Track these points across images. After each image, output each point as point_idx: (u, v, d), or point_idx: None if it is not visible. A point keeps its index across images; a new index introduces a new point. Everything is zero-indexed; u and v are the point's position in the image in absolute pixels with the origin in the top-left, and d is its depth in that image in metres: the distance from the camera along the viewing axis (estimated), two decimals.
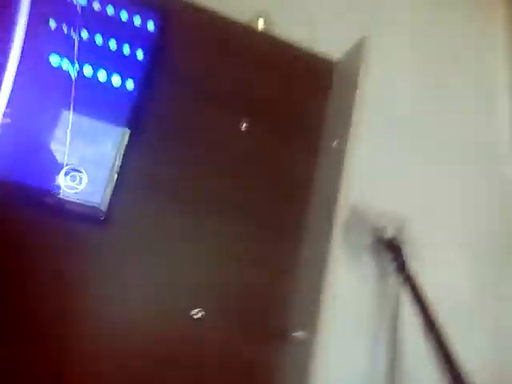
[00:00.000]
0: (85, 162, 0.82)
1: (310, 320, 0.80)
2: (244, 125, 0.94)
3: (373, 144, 1.30)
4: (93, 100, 0.86)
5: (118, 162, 0.83)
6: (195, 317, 0.80)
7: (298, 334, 0.80)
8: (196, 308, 0.80)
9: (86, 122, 0.84)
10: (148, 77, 0.89)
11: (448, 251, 1.29)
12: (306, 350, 0.80)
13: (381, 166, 1.31)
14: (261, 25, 1.16)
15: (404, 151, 1.35)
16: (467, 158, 1.43)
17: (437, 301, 1.13)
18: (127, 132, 0.85)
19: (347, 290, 1.09)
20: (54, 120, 0.82)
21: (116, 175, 0.83)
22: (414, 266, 1.12)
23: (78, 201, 0.80)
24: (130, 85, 0.88)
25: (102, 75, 0.87)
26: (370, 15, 1.45)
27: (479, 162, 1.45)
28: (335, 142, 0.94)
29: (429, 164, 1.36)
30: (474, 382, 0.84)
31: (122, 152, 0.84)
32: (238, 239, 0.86)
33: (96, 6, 0.90)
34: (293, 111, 1.01)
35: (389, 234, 1.13)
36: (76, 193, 0.81)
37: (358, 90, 1.02)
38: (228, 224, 0.87)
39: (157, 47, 0.91)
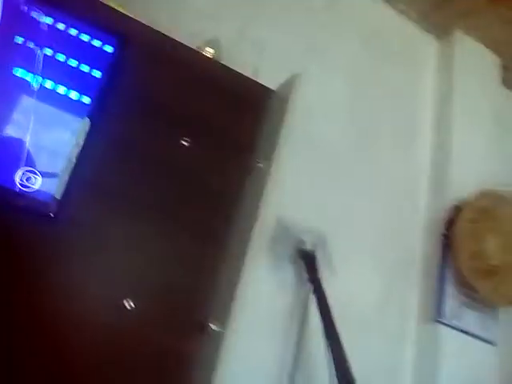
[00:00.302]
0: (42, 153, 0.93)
1: (225, 315, 0.94)
2: (184, 141, 1.07)
3: (301, 166, 1.46)
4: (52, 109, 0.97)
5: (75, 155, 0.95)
6: (127, 306, 0.92)
7: (214, 326, 0.94)
8: (127, 299, 0.93)
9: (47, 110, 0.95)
10: (103, 93, 1.01)
11: (360, 265, 1.48)
12: (219, 342, 0.94)
13: (308, 186, 1.47)
14: (210, 51, 1.29)
15: (329, 175, 1.53)
16: (384, 185, 1.62)
17: (345, 307, 1.30)
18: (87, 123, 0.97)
19: (265, 292, 1.24)
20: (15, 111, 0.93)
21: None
22: (327, 276, 1.29)
23: (30, 198, 0.91)
24: (86, 99, 1.00)
25: (61, 89, 0.98)
26: (309, 52, 1.63)
27: (395, 190, 1.65)
28: (261, 162, 1.10)
29: (349, 188, 1.55)
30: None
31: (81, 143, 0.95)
32: (168, 242, 0.99)
33: (60, 26, 1.01)
34: (229, 131, 1.15)
35: (306, 246, 1.29)
36: (29, 191, 0.91)
37: (285, 118, 1.18)
38: (161, 229, 1.00)
39: (113, 68, 1.03)
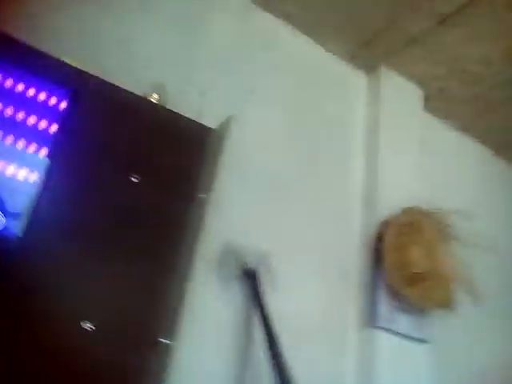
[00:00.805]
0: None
1: (174, 330, 1.08)
2: (133, 178, 1.22)
3: (246, 193, 1.63)
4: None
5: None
6: (84, 327, 1.04)
7: (164, 340, 1.08)
8: (86, 321, 1.05)
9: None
10: (58, 143, 1.16)
11: (301, 280, 1.64)
12: (168, 355, 1.07)
13: (252, 210, 1.64)
14: (155, 96, 1.45)
15: (272, 202, 1.70)
16: (321, 207, 1.81)
17: (289, 320, 1.46)
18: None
19: (213, 309, 1.38)
20: None
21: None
22: (270, 292, 1.45)
23: None
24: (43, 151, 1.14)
25: (20, 143, 1.12)
26: (249, 92, 1.82)
27: (331, 211, 1.84)
28: (203, 193, 1.26)
29: (290, 211, 1.72)
30: None
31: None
32: (120, 268, 1.13)
33: (9, 83, 1.16)
34: (174, 167, 1.31)
35: (250, 265, 1.45)
36: None
37: (223, 152, 1.36)
38: (114, 256, 1.13)
39: (67, 119, 1.18)
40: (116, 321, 1.09)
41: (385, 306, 1.65)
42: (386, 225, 1.73)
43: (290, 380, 1.13)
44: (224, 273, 1.44)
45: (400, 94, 2.23)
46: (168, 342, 1.09)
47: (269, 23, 2.03)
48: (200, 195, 1.26)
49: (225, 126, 1.38)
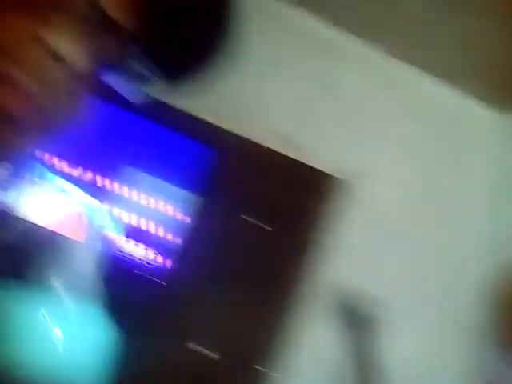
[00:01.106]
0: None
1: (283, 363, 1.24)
2: (268, 227, 1.42)
3: (365, 242, 1.71)
4: None
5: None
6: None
7: (273, 374, 1.25)
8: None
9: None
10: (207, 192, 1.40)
11: (413, 330, 1.67)
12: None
13: (371, 256, 1.72)
14: (288, 148, 1.60)
15: (390, 246, 1.76)
16: (440, 256, 1.81)
17: (399, 367, 1.53)
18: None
19: (322, 347, 1.51)
20: None
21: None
22: (382, 337, 1.52)
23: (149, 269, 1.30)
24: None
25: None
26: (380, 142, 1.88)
27: (452, 259, 1.83)
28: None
29: (408, 258, 1.76)
30: None
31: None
32: (247, 307, 1.33)
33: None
34: (300, 215, 1.47)
35: (362, 311, 1.54)
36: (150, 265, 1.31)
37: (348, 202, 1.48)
38: (245, 296, 1.33)
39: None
40: (237, 352, 1.29)
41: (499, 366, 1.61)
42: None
43: None
44: (337, 314, 1.56)
45: None
46: (275, 375, 1.26)
47: (404, 73, 2.04)
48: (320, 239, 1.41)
49: (355, 178, 1.50)
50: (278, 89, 1.85)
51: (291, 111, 1.84)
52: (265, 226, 1.39)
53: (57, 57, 0.36)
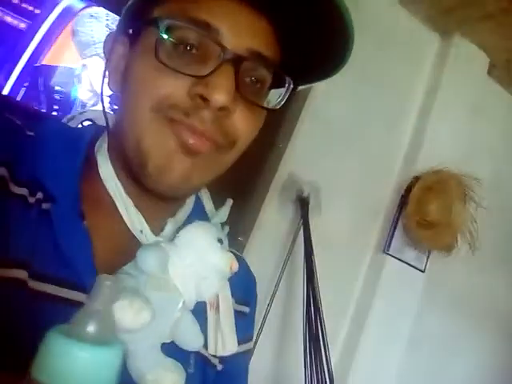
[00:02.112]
0: None
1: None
2: None
3: (315, 139, 2.09)
4: None
5: None
6: None
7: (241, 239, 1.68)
8: None
9: None
10: None
11: (340, 209, 2.16)
12: None
13: (315, 153, 2.11)
14: None
15: (332, 144, 2.16)
16: (370, 154, 2.25)
17: (326, 236, 2.02)
18: None
19: (275, 220, 1.96)
20: None
21: None
22: (316, 215, 1.99)
23: None
24: None
25: None
26: None
27: (377, 159, 2.28)
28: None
29: (344, 154, 2.18)
30: None
31: None
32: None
33: None
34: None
35: (304, 193, 1.98)
36: None
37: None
38: None
39: None
40: None
41: (399, 240, 2.18)
42: (417, 179, 2.18)
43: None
44: (285, 197, 1.99)
45: (467, 57, 2.45)
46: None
47: None
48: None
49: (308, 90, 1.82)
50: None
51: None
52: None
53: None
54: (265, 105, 0.57)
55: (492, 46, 2.52)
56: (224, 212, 0.60)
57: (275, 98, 0.58)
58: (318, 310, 1.76)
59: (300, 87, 0.60)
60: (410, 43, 2.46)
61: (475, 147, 2.49)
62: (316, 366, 1.71)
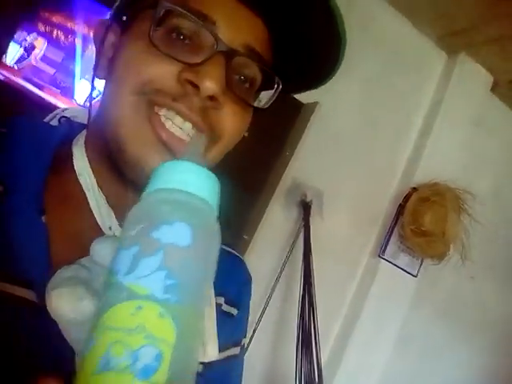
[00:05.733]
0: None
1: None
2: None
3: (321, 150, 2.23)
4: None
5: None
6: None
7: (247, 237, 1.83)
8: None
9: None
10: None
11: (340, 215, 2.31)
12: None
13: (320, 160, 2.26)
14: None
15: (337, 153, 2.30)
16: (372, 164, 2.39)
17: (326, 239, 2.17)
18: None
19: (279, 221, 2.11)
20: None
21: None
22: (318, 219, 2.14)
23: None
24: None
25: None
26: None
27: (379, 170, 2.42)
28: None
29: (349, 163, 2.32)
30: None
31: None
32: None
33: None
34: (277, 132, 1.94)
35: (307, 198, 2.12)
36: None
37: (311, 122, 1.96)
38: None
39: None
40: None
41: (394, 246, 2.32)
42: (414, 190, 2.32)
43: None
44: (289, 200, 2.14)
45: (472, 74, 2.57)
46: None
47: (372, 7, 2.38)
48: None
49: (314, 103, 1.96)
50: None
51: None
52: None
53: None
54: (254, 105, 0.57)
55: (496, 67, 2.64)
56: None
57: (265, 99, 0.58)
58: (312, 308, 1.90)
59: (293, 94, 0.64)
60: (417, 61, 2.58)
61: (476, 161, 2.62)
62: (307, 364, 1.85)
